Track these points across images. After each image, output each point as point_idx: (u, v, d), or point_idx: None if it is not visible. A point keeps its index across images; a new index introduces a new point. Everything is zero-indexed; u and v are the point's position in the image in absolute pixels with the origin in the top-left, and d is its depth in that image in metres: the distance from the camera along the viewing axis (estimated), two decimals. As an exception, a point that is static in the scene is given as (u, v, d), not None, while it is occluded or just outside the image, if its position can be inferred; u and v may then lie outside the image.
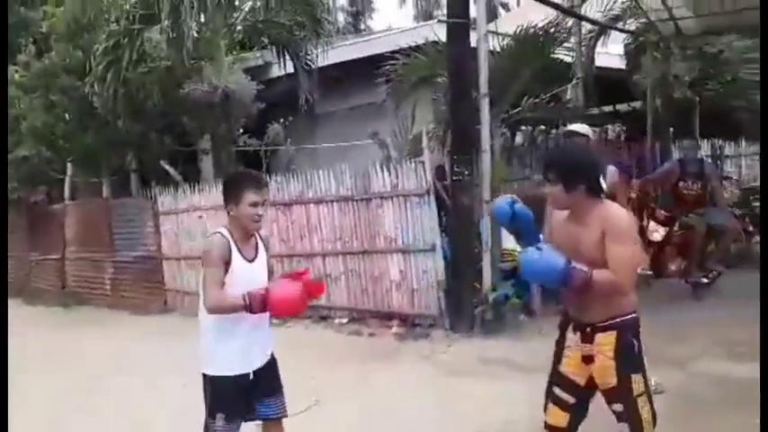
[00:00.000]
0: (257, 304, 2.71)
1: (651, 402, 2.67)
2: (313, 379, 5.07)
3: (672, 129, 10.32)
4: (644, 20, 9.61)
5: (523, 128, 9.08)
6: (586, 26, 9.49)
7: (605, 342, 2.62)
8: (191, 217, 8.73)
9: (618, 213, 2.66)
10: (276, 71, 9.91)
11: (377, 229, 6.90)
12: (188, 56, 8.45)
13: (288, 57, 9.44)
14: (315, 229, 7.41)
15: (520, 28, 7.53)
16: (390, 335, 6.50)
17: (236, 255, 2.83)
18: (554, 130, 8.87)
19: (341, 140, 9.41)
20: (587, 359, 2.66)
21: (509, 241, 5.85)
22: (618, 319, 2.63)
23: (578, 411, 2.76)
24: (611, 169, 4.91)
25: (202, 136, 9.55)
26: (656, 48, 10.03)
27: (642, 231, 6.24)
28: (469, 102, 6.53)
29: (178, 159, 10.12)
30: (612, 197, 4.68)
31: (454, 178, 6.54)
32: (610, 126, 10.49)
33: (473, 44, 6.53)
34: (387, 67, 8.14)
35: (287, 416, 3.05)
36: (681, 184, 6.91)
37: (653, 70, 9.94)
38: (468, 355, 5.64)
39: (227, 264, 2.80)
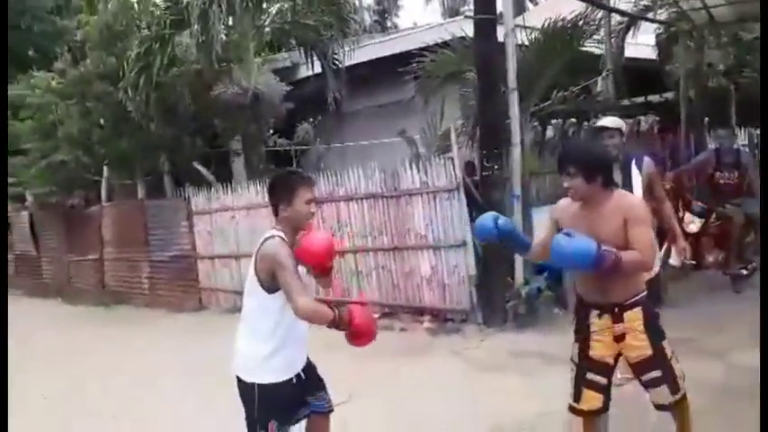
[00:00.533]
0: (344, 325, 2.73)
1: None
2: (345, 373, 5.10)
3: (707, 118, 10.11)
4: (675, 9, 9.42)
5: (554, 121, 8.99)
6: (616, 17, 9.35)
7: (634, 318, 2.84)
8: (223, 217, 8.86)
9: (635, 200, 2.97)
10: (304, 71, 10.00)
11: (407, 226, 6.92)
12: (217, 59, 8.59)
13: (315, 57, 9.52)
14: (345, 227, 7.46)
15: (548, 21, 7.47)
16: (422, 330, 6.51)
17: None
18: (585, 123, 8.76)
19: (369, 138, 9.46)
20: (619, 338, 2.85)
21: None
22: (639, 296, 2.86)
23: (609, 391, 2.92)
24: (647, 160, 4.82)
25: (233, 137, 9.70)
26: (688, 37, 9.84)
27: (679, 223, 6.12)
28: (498, 96, 6.50)
29: (210, 160, 10.28)
30: (649, 188, 4.62)
31: (484, 173, 6.52)
32: (642, 117, 10.33)
33: (501, 39, 6.50)
34: (414, 65, 8.14)
35: (333, 409, 3.06)
36: (717, 174, 6.78)
37: (686, 59, 9.76)
38: (500, 349, 5.63)
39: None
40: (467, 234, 6.46)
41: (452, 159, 6.65)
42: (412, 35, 9.79)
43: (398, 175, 6.98)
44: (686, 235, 6.27)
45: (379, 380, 5.13)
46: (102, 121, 9.93)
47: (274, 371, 2.80)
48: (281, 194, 2.82)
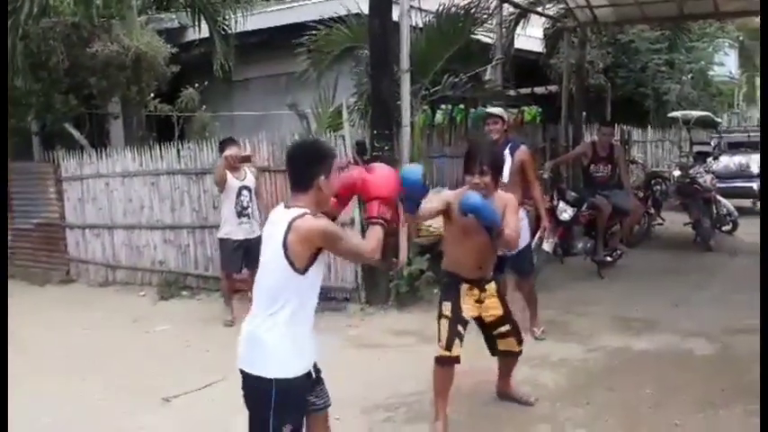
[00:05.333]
0: (384, 212, 2.54)
1: None
2: (221, 352, 4.95)
3: (585, 113, 10.70)
4: (563, 5, 9.85)
5: (443, 106, 9.14)
6: (507, 8, 9.63)
7: (492, 288, 3.67)
8: (96, 184, 8.28)
9: (512, 196, 3.70)
10: (192, 34, 9.49)
11: (294, 203, 6.78)
12: (97, 13, 7.94)
13: (204, 20, 9.05)
14: (229, 200, 7.19)
15: (442, 6, 7.54)
16: (305, 308, 6.43)
17: None
18: (473, 110, 8.98)
19: (260, 109, 9.17)
20: (478, 301, 3.62)
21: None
22: (492, 273, 3.73)
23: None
24: (523, 148, 5.12)
25: (111, 99, 9.04)
26: (573, 33, 10.33)
27: (552, 211, 6.45)
28: (391, 77, 6.48)
29: (84, 123, 9.54)
30: (521, 171, 4.98)
31: (374, 153, 6.50)
32: (526, 108, 10.75)
33: (396, 19, 6.47)
34: (308, 37, 7.97)
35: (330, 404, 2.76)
36: (592, 166, 7.18)
37: (569, 55, 10.25)
38: (380, 327, 5.68)
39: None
40: (355, 212, 6.43)
41: (343, 138, 6.58)
42: (307, 6, 9.55)
43: (287, 149, 6.80)
44: (559, 222, 6.63)
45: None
46: (-43, 70, 8.92)
47: (294, 363, 2.50)
48: (323, 164, 2.49)
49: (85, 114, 9.39)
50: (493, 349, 3.77)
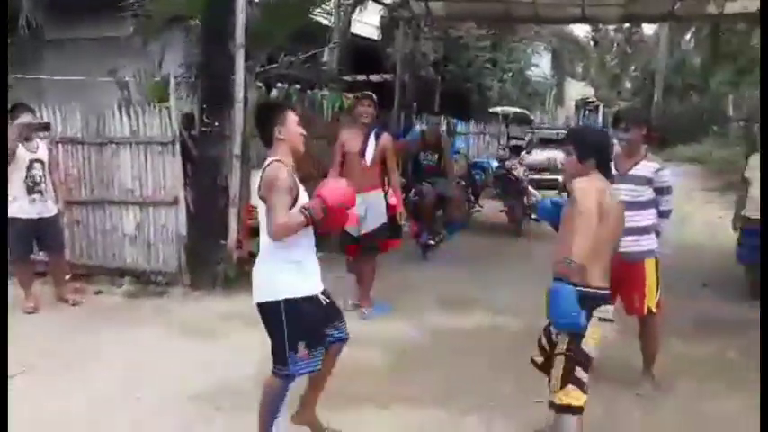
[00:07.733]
0: (317, 211, 2.75)
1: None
2: (25, 342, 4.46)
3: (415, 103, 11.12)
4: (400, -6, 10.11)
5: (279, 85, 8.98)
6: (346, -9, 9.69)
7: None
8: None
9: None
10: (-6, -18, 8.35)
11: (111, 178, 6.27)
12: None
13: (9, -32, 8.00)
14: (35, 173, 6.46)
15: (280, -19, 7.36)
16: (121, 292, 6.00)
17: (298, 184, 2.89)
18: (309, 91, 8.93)
19: (75, 74, 8.34)
20: None
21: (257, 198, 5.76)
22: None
23: None
24: (386, 135, 5.43)
25: None
26: (408, 24, 10.65)
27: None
28: (224, 50, 6.21)
29: None
30: (382, 158, 5.21)
31: (203, 129, 6.22)
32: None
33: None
34: (136, 1, 7.37)
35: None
36: (421, 154, 7.50)
37: (404, 45, 10.56)
38: (206, 312, 5.46)
39: (294, 193, 2.83)
40: (179, 191, 6.10)
41: (169, 109, 6.19)
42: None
43: (105, 120, 6.26)
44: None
45: (68, 349, 4.57)
46: None
47: (297, 287, 2.85)
48: (273, 119, 2.91)
49: None
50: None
